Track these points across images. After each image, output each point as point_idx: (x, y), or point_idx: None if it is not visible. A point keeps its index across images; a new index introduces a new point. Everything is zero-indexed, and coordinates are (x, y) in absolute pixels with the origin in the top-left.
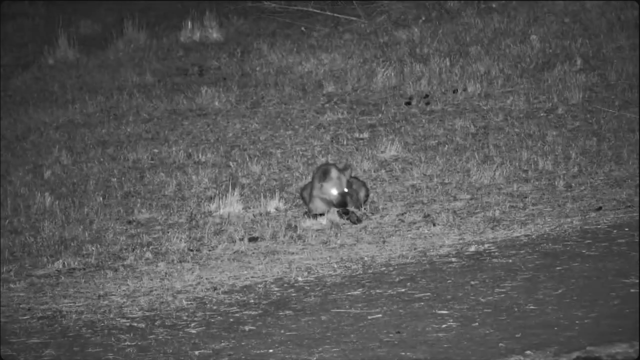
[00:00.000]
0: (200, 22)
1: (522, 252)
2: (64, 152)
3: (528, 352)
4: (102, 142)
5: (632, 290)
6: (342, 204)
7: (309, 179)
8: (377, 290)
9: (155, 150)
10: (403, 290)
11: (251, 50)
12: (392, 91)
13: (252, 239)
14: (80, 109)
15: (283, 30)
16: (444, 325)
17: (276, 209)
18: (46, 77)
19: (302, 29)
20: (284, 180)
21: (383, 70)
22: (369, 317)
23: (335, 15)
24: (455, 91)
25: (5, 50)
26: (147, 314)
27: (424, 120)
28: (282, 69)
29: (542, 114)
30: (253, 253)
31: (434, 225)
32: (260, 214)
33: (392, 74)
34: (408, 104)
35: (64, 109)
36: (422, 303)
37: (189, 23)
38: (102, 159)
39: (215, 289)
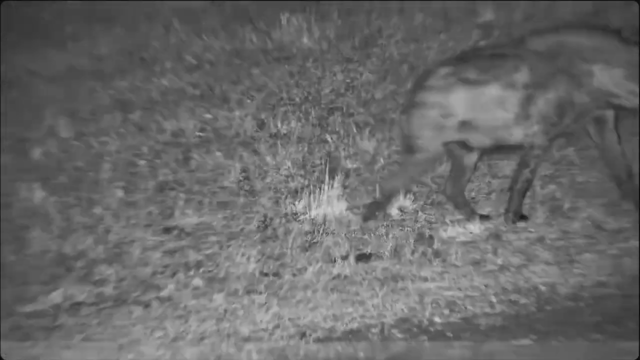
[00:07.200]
0: None
1: None
2: (61, 118)
3: None
4: (121, 102)
5: None
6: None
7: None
8: (561, 339)
9: (208, 116)
10: (601, 337)
11: None
12: None
13: (362, 257)
14: (88, 50)
15: None
16: None
17: (400, 208)
18: (33, 2)
19: None
20: None
21: None
22: None
23: None
24: None
25: None
26: None
27: None
28: None
29: None
30: (363, 279)
31: None
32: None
33: None
34: None
35: (62, 50)
36: None
37: None
38: (122, 130)
39: (303, 335)
